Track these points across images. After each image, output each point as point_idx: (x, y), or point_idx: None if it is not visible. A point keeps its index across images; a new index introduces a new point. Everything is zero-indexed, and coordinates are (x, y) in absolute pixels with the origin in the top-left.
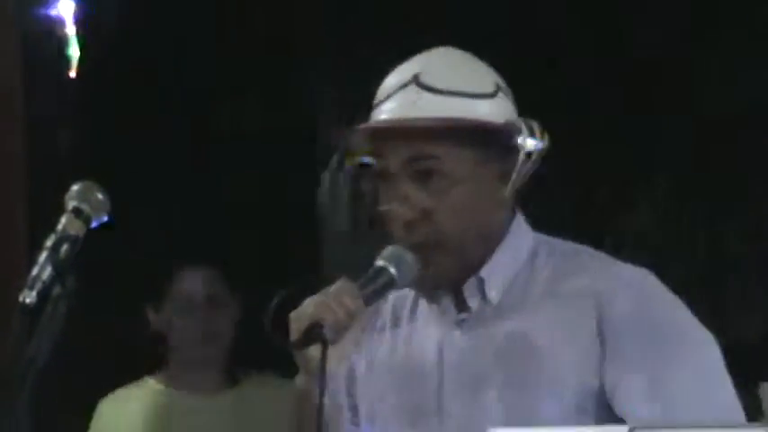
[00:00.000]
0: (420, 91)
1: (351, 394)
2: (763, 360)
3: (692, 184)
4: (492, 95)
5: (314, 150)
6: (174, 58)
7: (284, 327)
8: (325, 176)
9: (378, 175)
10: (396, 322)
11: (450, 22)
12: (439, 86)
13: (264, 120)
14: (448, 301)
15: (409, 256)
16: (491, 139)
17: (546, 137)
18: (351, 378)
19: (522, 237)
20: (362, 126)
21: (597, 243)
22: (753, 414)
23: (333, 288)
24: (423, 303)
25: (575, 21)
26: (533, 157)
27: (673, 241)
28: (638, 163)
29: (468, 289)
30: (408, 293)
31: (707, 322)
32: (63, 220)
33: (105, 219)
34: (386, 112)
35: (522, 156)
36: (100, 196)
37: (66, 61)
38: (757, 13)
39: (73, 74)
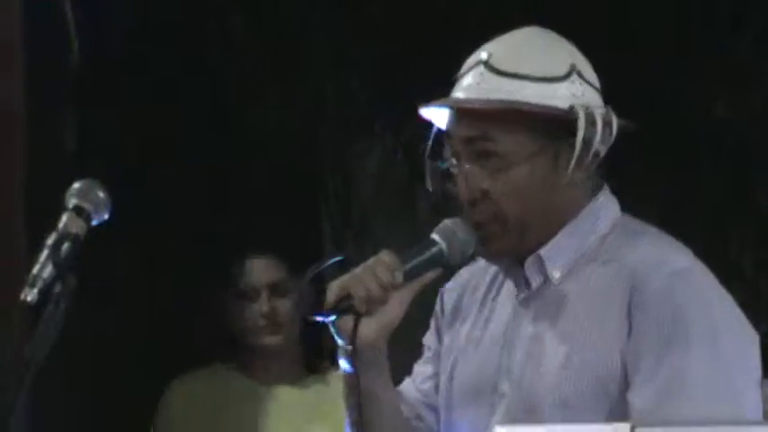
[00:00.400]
0: (485, 72)
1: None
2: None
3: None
4: (562, 78)
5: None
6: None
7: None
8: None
9: (446, 154)
10: (485, 299)
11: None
12: (503, 68)
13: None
14: (519, 279)
15: (463, 232)
16: (550, 123)
17: (614, 124)
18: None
19: (594, 219)
20: (422, 108)
21: None
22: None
23: (371, 259)
24: (507, 281)
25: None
26: (594, 144)
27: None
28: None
29: (530, 267)
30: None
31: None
32: (64, 218)
33: (106, 217)
34: (455, 92)
35: (578, 142)
36: (101, 194)
37: (68, 53)
38: None
39: (75, 66)
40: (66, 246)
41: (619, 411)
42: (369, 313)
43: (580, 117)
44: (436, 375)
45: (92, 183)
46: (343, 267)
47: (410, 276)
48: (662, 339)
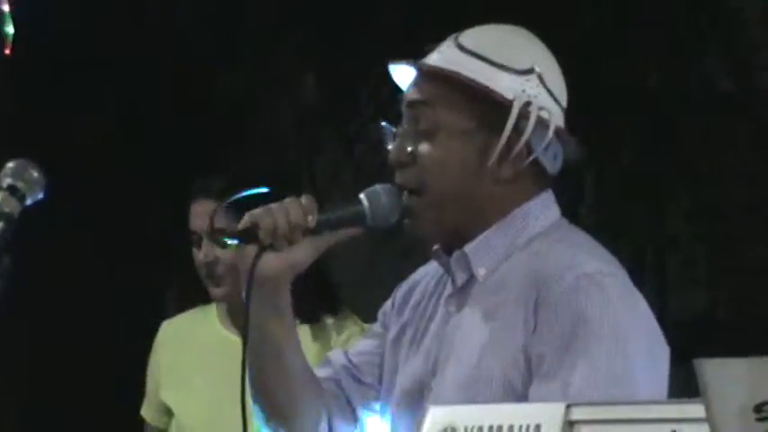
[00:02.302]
0: (452, 47)
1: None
2: (701, 336)
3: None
4: (518, 72)
5: None
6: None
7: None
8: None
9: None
10: (429, 298)
11: None
12: (469, 47)
13: None
14: (448, 275)
15: (389, 198)
16: (490, 109)
17: (551, 130)
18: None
19: (526, 220)
20: (394, 62)
21: None
22: (693, 390)
23: (289, 198)
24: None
25: None
26: (522, 140)
27: (614, 220)
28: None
29: (455, 264)
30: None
31: (650, 299)
32: None
33: (40, 196)
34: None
35: (506, 130)
36: (35, 174)
37: (0, 39)
38: None
39: (7, 51)
40: None
41: None
42: (273, 248)
43: (514, 107)
44: (372, 355)
45: (26, 162)
46: (269, 200)
47: (325, 226)
48: (563, 339)
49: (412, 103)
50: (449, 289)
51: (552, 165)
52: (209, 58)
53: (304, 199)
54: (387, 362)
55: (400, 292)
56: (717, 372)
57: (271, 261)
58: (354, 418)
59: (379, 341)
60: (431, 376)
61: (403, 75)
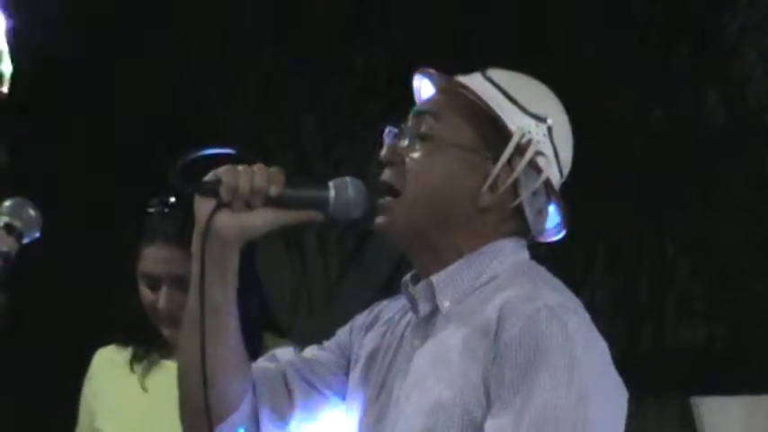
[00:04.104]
0: (477, 76)
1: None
2: (698, 375)
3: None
4: (532, 116)
5: None
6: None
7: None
8: None
9: None
10: (397, 325)
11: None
12: (494, 79)
13: None
14: (412, 302)
15: (355, 192)
16: (493, 139)
17: (542, 176)
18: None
19: (495, 256)
20: (419, 72)
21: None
22: (689, 424)
23: (259, 164)
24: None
25: None
26: (514, 173)
27: (613, 254)
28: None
29: (419, 293)
30: None
31: (648, 337)
32: None
33: (37, 235)
34: None
35: (502, 158)
36: (32, 212)
37: None
38: None
39: (5, 90)
40: None
41: None
42: (231, 207)
43: (513, 138)
44: (331, 366)
45: (23, 201)
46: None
47: (287, 200)
48: (520, 371)
49: (420, 112)
50: (412, 320)
51: (534, 218)
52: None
53: (274, 168)
54: (356, 379)
55: (370, 316)
56: (714, 410)
57: (224, 219)
58: (286, 419)
59: (336, 357)
60: (388, 407)
61: (423, 89)
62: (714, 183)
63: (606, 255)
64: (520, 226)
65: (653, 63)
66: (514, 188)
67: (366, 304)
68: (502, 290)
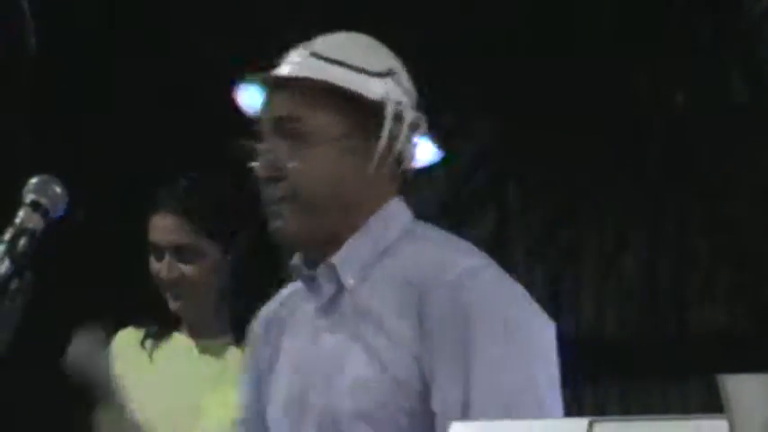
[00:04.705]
0: (308, 56)
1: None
2: (721, 357)
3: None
4: (378, 75)
5: None
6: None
7: None
8: None
9: (259, 135)
10: (288, 317)
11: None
12: (325, 54)
13: None
14: (314, 288)
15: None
16: (358, 112)
17: (420, 133)
18: (258, 379)
19: (385, 224)
20: (245, 81)
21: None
22: (715, 406)
23: None
24: (304, 294)
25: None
26: (399, 141)
27: (636, 235)
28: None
29: (322, 276)
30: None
31: (671, 316)
32: (21, 213)
33: (63, 212)
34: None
35: (384, 132)
36: (58, 189)
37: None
38: None
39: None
40: (22, 241)
41: (420, 421)
42: None
43: (388, 109)
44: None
45: (49, 178)
46: None
47: None
48: (455, 341)
49: (280, 120)
50: (312, 303)
51: (410, 162)
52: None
53: None
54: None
55: (263, 320)
56: (740, 388)
57: None
58: None
59: (254, 388)
60: (309, 393)
61: (253, 94)
62: (737, 164)
63: (629, 236)
64: (396, 180)
65: (676, 42)
66: (399, 151)
67: None
68: (409, 259)
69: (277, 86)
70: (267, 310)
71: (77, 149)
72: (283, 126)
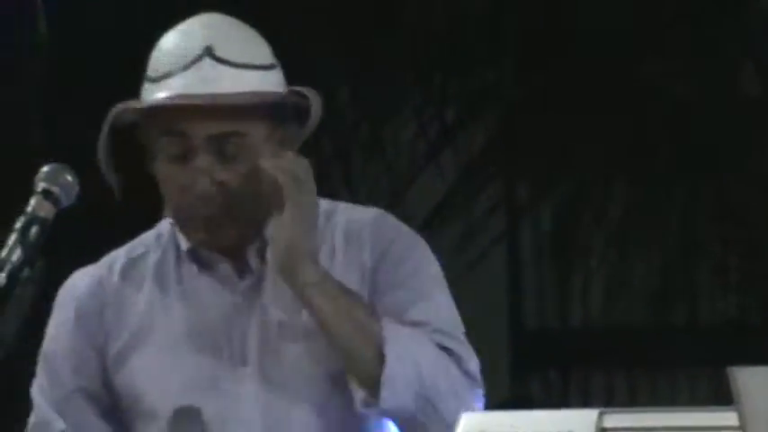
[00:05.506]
0: (216, 65)
1: (105, 383)
2: (730, 348)
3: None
4: (272, 67)
5: None
6: None
7: None
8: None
9: (172, 154)
10: (160, 294)
11: None
12: (233, 59)
13: None
14: (226, 268)
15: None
16: (277, 109)
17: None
18: (100, 365)
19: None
20: (159, 102)
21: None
22: (724, 397)
23: None
24: (188, 270)
25: None
26: (308, 126)
27: (646, 225)
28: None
29: (251, 252)
30: (162, 260)
31: (679, 306)
32: (32, 201)
33: (74, 201)
34: (181, 87)
35: (313, 123)
36: (69, 178)
37: (34, 42)
38: None
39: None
40: (34, 229)
41: None
42: None
43: (313, 99)
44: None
45: (60, 167)
46: None
47: None
48: (393, 264)
49: (217, 137)
50: (210, 280)
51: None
52: None
53: None
54: (131, 373)
55: (93, 305)
56: (751, 380)
57: None
58: None
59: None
60: (238, 366)
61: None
62: (747, 153)
63: (638, 226)
64: None
65: (685, 33)
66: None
67: None
68: (327, 223)
69: (213, 106)
70: (89, 282)
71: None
72: (220, 142)
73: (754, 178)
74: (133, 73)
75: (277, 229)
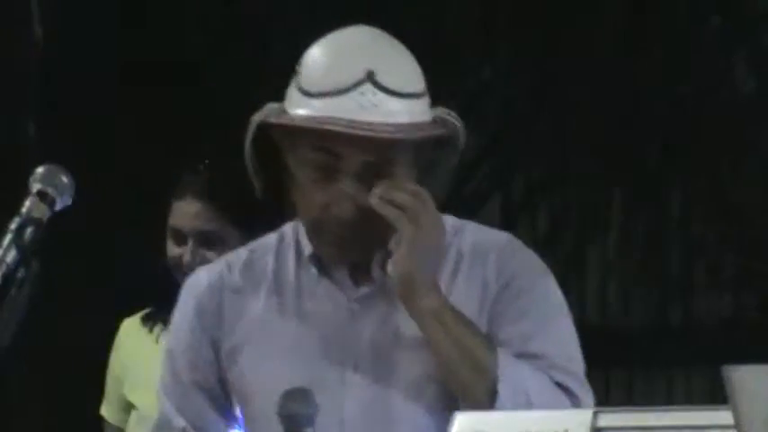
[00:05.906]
0: (377, 92)
1: (219, 379)
2: (727, 347)
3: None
4: (425, 93)
5: None
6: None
7: None
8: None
9: (320, 168)
10: (277, 295)
11: None
12: (393, 87)
13: None
14: (346, 275)
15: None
16: (429, 138)
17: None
18: (215, 361)
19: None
20: (324, 121)
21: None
22: (722, 397)
23: None
24: (307, 273)
25: None
26: (450, 150)
27: (642, 225)
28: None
29: (375, 263)
30: (282, 262)
31: (676, 306)
32: (27, 203)
33: (69, 202)
34: (341, 110)
35: (458, 149)
36: (64, 179)
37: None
38: None
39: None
40: (29, 230)
41: None
42: None
43: (460, 128)
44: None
45: (55, 168)
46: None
47: None
48: (517, 293)
49: (371, 164)
50: (327, 289)
51: None
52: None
53: None
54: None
55: (212, 303)
56: (745, 379)
57: None
58: None
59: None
60: (347, 372)
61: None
62: (743, 151)
63: (634, 223)
64: None
65: (681, 32)
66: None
67: None
68: (454, 240)
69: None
70: (209, 279)
71: (84, 139)
72: (372, 169)
73: (750, 177)
74: (131, 73)
75: (394, 262)
